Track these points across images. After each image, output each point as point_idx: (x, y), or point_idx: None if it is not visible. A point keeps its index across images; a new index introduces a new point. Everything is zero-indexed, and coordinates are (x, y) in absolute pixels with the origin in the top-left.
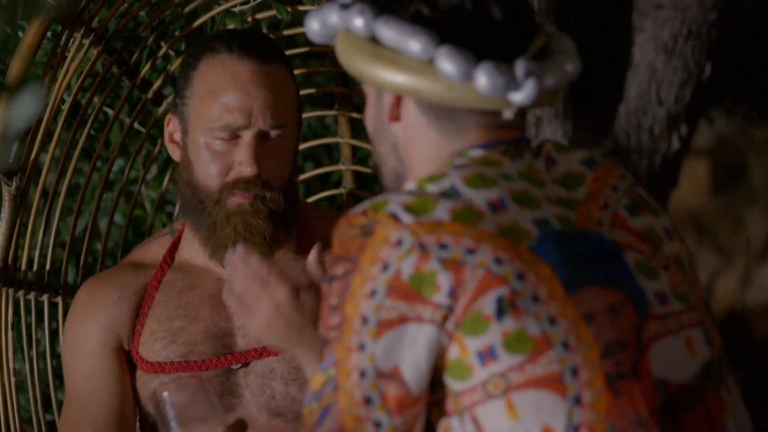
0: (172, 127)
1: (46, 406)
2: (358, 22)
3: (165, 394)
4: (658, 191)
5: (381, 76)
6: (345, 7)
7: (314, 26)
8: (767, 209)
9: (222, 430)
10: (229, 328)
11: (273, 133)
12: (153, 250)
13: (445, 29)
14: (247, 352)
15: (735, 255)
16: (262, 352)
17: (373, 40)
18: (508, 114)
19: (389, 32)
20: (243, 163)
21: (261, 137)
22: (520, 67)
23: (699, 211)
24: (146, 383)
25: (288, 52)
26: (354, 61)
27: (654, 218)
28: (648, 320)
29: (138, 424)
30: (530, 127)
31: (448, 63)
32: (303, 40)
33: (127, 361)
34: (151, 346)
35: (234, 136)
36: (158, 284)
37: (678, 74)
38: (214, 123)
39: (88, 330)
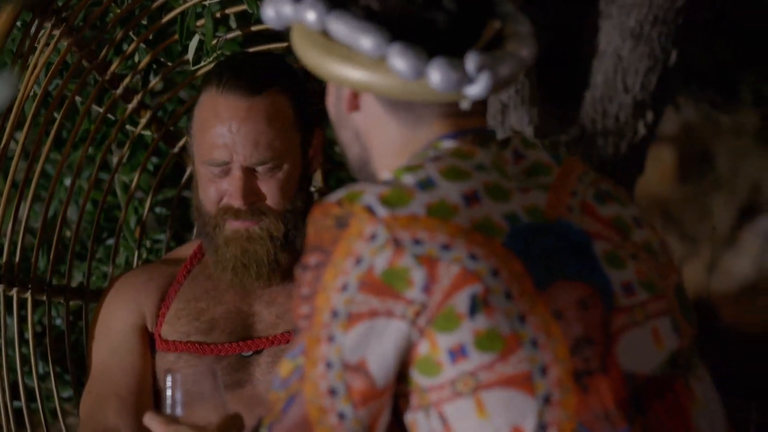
0: (189, 149)
1: (14, 393)
2: (311, 16)
3: (177, 376)
4: (625, 178)
5: (335, 72)
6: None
7: (269, 13)
8: (733, 196)
9: (219, 420)
10: (249, 312)
11: (260, 167)
12: (188, 249)
13: (396, 24)
14: (260, 339)
15: (701, 242)
16: (273, 340)
17: (326, 34)
18: (464, 105)
19: (341, 28)
20: (231, 195)
21: (249, 171)
22: (471, 61)
23: (665, 198)
24: (163, 361)
25: (255, 48)
26: (307, 55)
27: (621, 208)
28: (614, 312)
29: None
30: (496, 114)
31: (399, 61)
32: (270, 34)
33: (149, 341)
34: (175, 324)
35: (225, 168)
36: (187, 273)
37: (644, 61)
38: (205, 157)
39: (116, 309)
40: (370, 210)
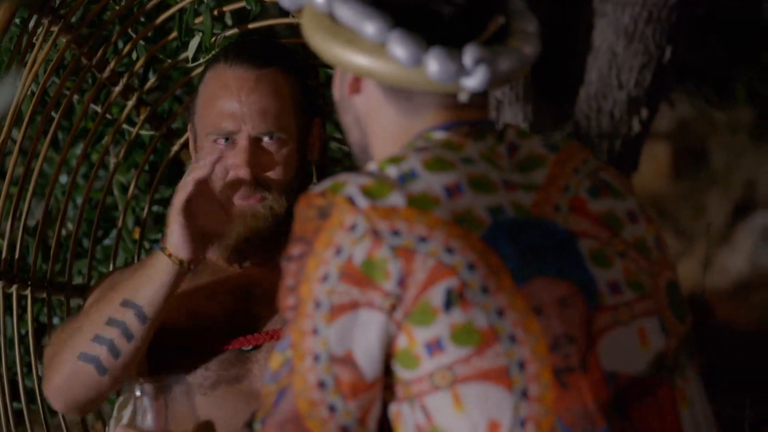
0: (190, 135)
1: (14, 394)
2: None
3: (147, 387)
4: None
5: (338, 56)
6: None
7: None
8: (728, 192)
9: (191, 428)
10: (247, 310)
11: (267, 138)
12: None
13: (401, 11)
14: (260, 335)
15: (696, 238)
16: (273, 335)
17: (333, 17)
18: (462, 97)
19: (346, 12)
20: (237, 166)
21: (255, 141)
22: (469, 54)
23: (660, 195)
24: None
25: None
26: (313, 38)
27: (617, 201)
28: (598, 311)
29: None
30: (491, 110)
31: (398, 47)
32: (266, 31)
33: None
34: (173, 323)
35: (231, 141)
36: None
37: (638, 57)
38: (211, 128)
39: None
40: (351, 201)
